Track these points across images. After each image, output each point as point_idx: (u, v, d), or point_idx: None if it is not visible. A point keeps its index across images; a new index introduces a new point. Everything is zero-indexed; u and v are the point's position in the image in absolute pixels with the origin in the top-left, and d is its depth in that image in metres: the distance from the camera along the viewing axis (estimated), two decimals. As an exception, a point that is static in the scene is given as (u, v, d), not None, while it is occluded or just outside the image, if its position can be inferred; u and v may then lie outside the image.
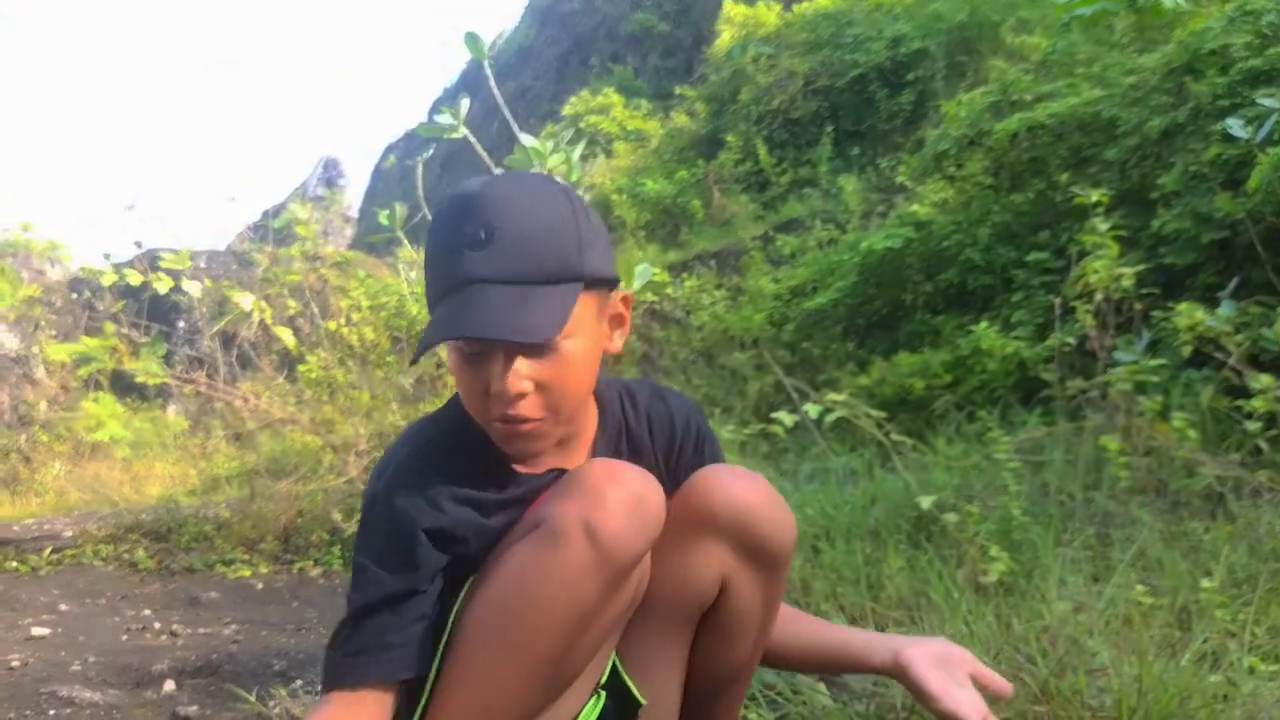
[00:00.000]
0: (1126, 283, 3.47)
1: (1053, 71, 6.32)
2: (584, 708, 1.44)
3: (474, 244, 1.23)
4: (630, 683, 1.49)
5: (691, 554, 1.45)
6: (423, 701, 1.33)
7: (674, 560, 1.45)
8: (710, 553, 1.44)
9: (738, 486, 1.43)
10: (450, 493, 1.34)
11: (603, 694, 1.46)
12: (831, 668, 1.74)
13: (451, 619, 1.33)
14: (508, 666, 1.28)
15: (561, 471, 1.41)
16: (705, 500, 1.44)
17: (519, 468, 1.41)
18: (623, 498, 1.25)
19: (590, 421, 1.48)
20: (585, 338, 1.31)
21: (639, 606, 1.46)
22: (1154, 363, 3.32)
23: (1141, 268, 3.75)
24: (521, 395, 1.27)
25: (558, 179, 1.39)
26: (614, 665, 1.50)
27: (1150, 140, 4.78)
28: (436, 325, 1.25)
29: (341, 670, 1.29)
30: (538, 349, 1.27)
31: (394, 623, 1.30)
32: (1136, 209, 4.65)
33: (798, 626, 1.63)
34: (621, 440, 1.51)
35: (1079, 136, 5.30)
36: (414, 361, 1.32)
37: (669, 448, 1.55)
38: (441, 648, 1.32)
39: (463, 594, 1.35)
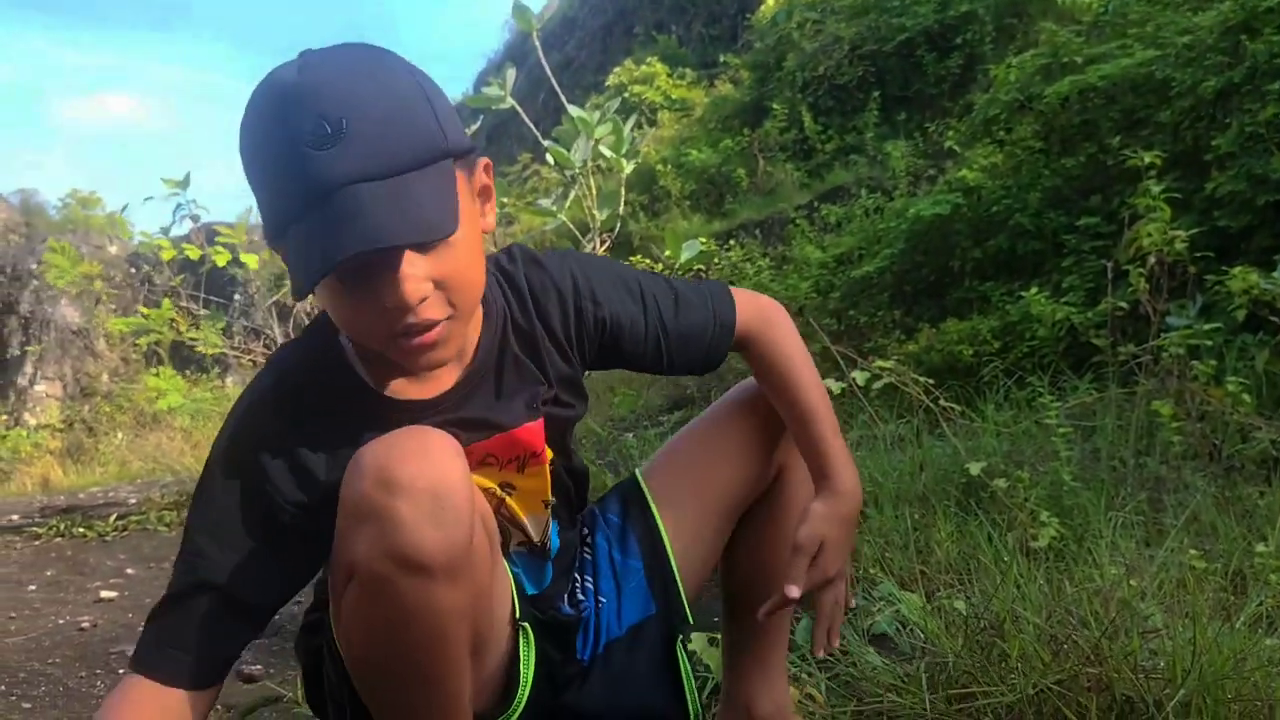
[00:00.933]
0: (1180, 246, 3.44)
1: (1105, 32, 6.20)
2: (517, 650, 1.33)
3: (320, 141, 1.02)
4: (685, 600, 1.49)
5: (749, 447, 1.50)
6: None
7: (731, 453, 1.50)
8: (767, 440, 1.51)
9: None
10: (313, 446, 1.21)
11: (527, 628, 1.33)
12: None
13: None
14: (412, 711, 1.17)
15: (449, 392, 1.28)
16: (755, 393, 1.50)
17: (399, 395, 1.26)
18: (415, 506, 1.04)
19: (476, 320, 1.30)
20: (466, 218, 1.13)
21: (688, 512, 1.50)
22: (1208, 327, 3.29)
23: (1195, 231, 3.71)
24: (423, 299, 1.11)
25: (376, 45, 1.14)
26: (674, 576, 1.49)
27: (1205, 101, 4.70)
28: (314, 250, 1.04)
29: (153, 658, 1.19)
30: (426, 248, 1.09)
31: (220, 617, 1.19)
32: (1190, 171, 4.57)
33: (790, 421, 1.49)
34: (509, 337, 1.34)
35: (1131, 98, 5.21)
36: (300, 297, 1.14)
37: (565, 321, 1.37)
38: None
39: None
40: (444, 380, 1.28)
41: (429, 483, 1.05)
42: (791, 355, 1.49)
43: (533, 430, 1.34)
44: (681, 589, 1.49)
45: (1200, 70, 4.77)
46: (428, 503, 1.04)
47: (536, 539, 1.42)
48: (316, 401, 1.24)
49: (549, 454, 1.38)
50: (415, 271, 1.09)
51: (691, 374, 1.56)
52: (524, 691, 1.31)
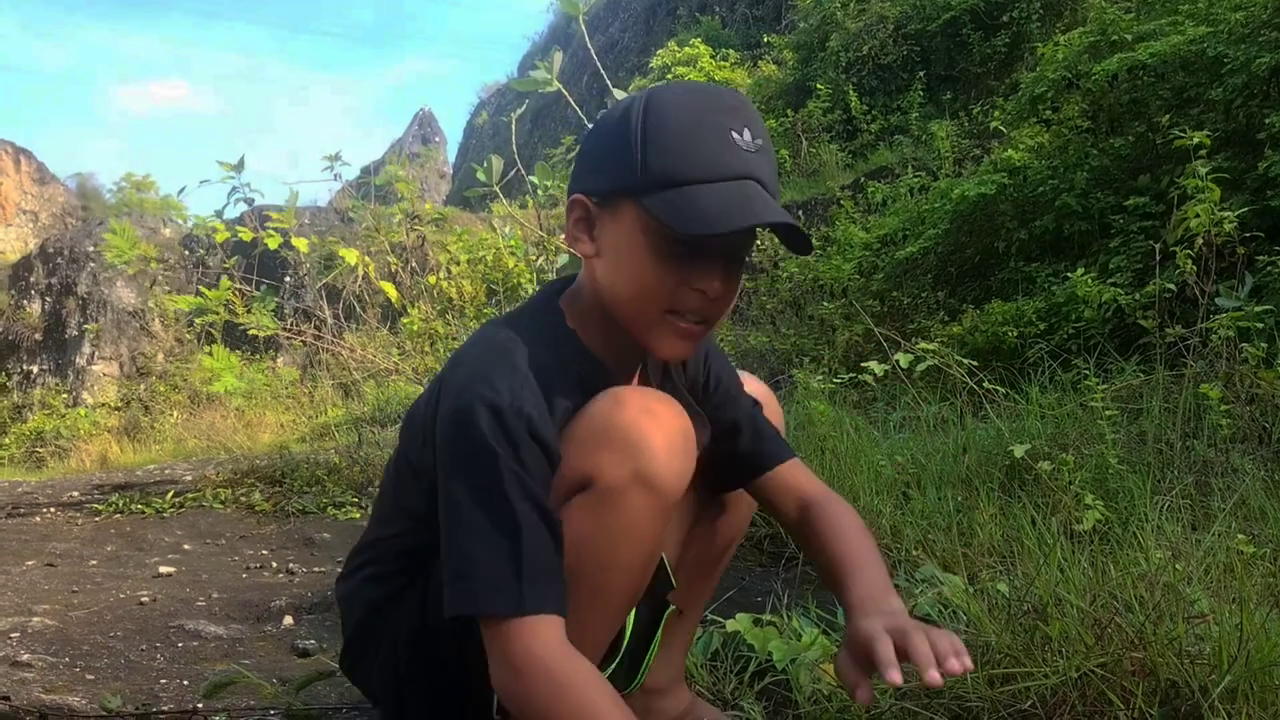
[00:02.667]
0: (1229, 227, 3.39)
1: (1154, 9, 6.10)
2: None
3: (748, 144, 1.26)
4: (669, 568, 1.52)
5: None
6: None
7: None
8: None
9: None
10: (562, 405, 1.31)
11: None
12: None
13: None
14: (594, 620, 1.30)
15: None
16: None
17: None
18: (666, 438, 1.24)
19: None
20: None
21: None
22: (1258, 309, 3.25)
23: (1245, 211, 3.65)
24: (721, 303, 1.31)
25: None
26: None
27: (1258, 78, 4.61)
28: (732, 208, 1.21)
29: (529, 598, 1.19)
30: (740, 265, 1.33)
31: (551, 548, 1.22)
32: (1242, 150, 4.50)
33: (831, 540, 1.48)
34: (671, 374, 1.52)
35: (1182, 76, 5.13)
36: (701, 232, 1.21)
37: (693, 379, 1.56)
38: None
39: None
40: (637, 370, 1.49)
41: (679, 422, 1.27)
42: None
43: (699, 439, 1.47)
44: (664, 557, 1.51)
45: (1254, 47, 4.68)
46: (678, 438, 1.26)
47: None
48: (559, 381, 1.32)
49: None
50: (729, 279, 1.31)
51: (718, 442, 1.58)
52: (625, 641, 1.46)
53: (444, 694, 1.40)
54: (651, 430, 1.23)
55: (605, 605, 1.32)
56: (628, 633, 1.45)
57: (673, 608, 1.54)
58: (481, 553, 1.20)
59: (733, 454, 1.55)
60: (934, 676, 1.16)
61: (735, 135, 1.25)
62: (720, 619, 2.12)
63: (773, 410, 1.65)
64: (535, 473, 1.22)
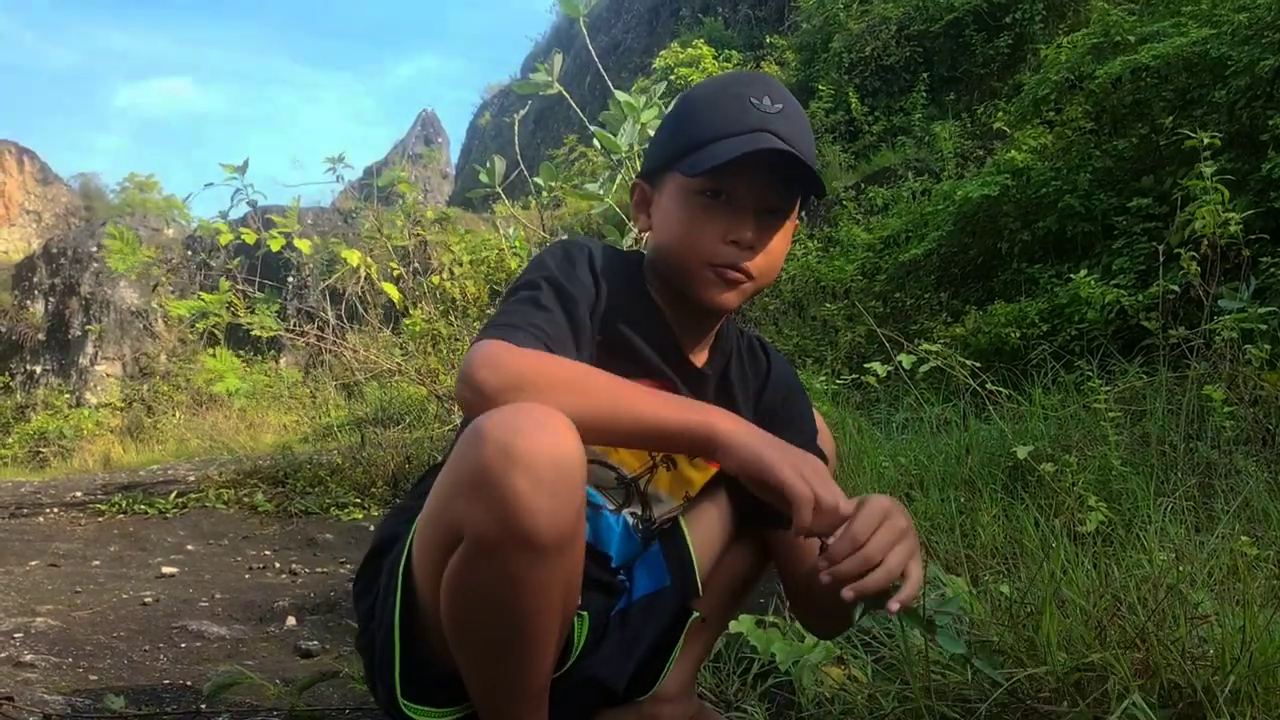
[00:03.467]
0: (1233, 228, 3.39)
1: (1158, 11, 6.09)
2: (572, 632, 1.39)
3: (767, 106, 1.38)
4: (699, 576, 1.52)
5: None
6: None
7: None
8: None
9: None
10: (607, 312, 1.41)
11: (584, 614, 1.40)
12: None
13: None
14: (507, 662, 1.24)
15: (689, 366, 1.49)
16: None
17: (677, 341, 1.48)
18: (531, 478, 1.08)
19: (714, 331, 1.54)
20: (787, 234, 1.47)
21: (703, 502, 1.56)
22: (1262, 310, 3.24)
23: (1250, 213, 3.65)
24: (752, 248, 1.39)
25: None
26: (690, 554, 1.52)
27: (1262, 80, 4.61)
28: (740, 147, 1.33)
29: (510, 331, 1.25)
30: (775, 221, 1.42)
31: (562, 334, 1.31)
32: (1245, 152, 4.50)
33: None
34: (730, 367, 1.57)
35: (1185, 78, 5.13)
36: (697, 172, 1.35)
37: (757, 397, 1.59)
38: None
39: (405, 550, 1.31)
40: (700, 354, 1.53)
41: (552, 451, 1.10)
42: None
43: None
44: (696, 565, 1.53)
45: (1258, 48, 4.68)
46: (549, 472, 1.09)
47: (656, 518, 1.52)
48: (625, 302, 1.43)
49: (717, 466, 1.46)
50: (761, 231, 1.40)
51: None
52: (575, 651, 1.39)
53: (408, 639, 1.35)
54: (512, 472, 1.07)
55: (528, 649, 1.23)
56: (577, 645, 1.40)
57: (696, 615, 1.53)
58: (500, 315, 1.30)
59: None
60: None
61: (754, 100, 1.38)
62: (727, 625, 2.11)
63: (830, 459, 1.61)
64: (565, 285, 1.35)
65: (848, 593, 1.19)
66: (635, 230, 4.52)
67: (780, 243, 1.44)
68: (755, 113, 1.37)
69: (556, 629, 1.25)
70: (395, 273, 5.52)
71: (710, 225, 1.39)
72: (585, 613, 1.40)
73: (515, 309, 1.31)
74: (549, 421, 1.11)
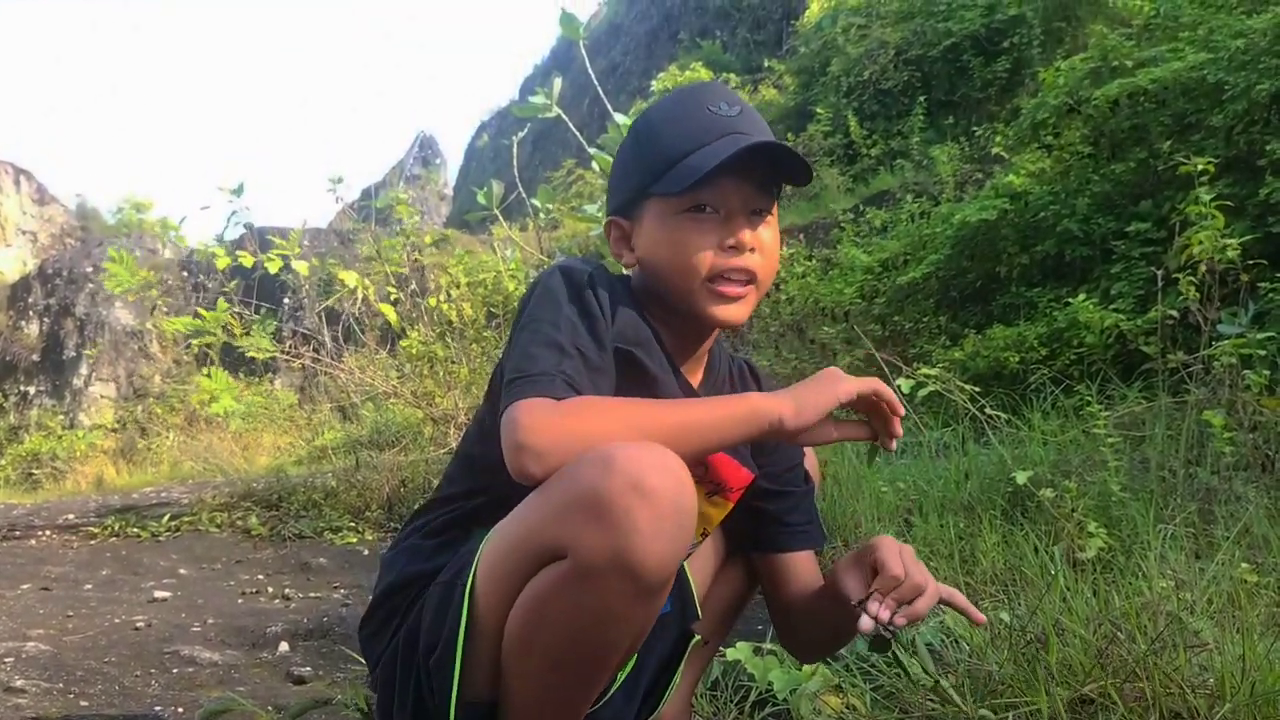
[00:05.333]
0: (1232, 253, 3.39)
1: (1155, 35, 6.13)
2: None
3: (727, 111, 1.39)
4: (697, 600, 1.54)
5: None
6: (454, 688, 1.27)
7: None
8: None
9: None
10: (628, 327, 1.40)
11: (634, 657, 1.39)
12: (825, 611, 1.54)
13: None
14: (563, 688, 1.25)
15: (690, 389, 1.47)
16: None
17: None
18: (654, 519, 1.11)
19: (706, 352, 1.53)
20: (775, 229, 1.46)
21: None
22: (1261, 335, 3.24)
23: (1248, 238, 3.65)
24: (752, 249, 1.38)
25: None
26: (687, 578, 1.54)
27: (1259, 105, 4.63)
28: (718, 154, 1.32)
29: (548, 385, 1.24)
30: (763, 219, 1.41)
31: (587, 372, 1.29)
32: (1243, 177, 4.51)
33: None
34: (723, 391, 1.54)
35: (1183, 102, 5.15)
36: (680, 192, 1.35)
37: None
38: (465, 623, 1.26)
39: (477, 559, 1.28)
40: (694, 377, 1.51)
41: (675, 495, 1.12)
42: None
43: (743, 475, 1.49)
44: (694, 589, 1.56)
45: (1254, 73, 4.70)
46: (670, 522, 1.12)
47: None
48: (626, 323, 1.41)
49: (734, 501, 1.51)
50: (754, 231, 1.39)
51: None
52: (610, 692, 1.40)
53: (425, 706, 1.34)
54: (639, 509, 1.10)
55: (591, 677, 1.26)
56: (615, 684, 1.40)
57: (698, 638, 1.53)
58: (524, 362, 1.27)
59: (768, 518, 1.56)
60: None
61: (712, 108, 1.39)
62: (720, 648, 2.10)
63: (814, 479, 1.66)
64: (586, 318, 1.33)
65: (900, 619, 1.30)
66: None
67: (773, 239, 1.44)
68: (719, 119, 1.38)
69: (618, 665, 1.28)
70: (393, 296, 5.51)
71: (703, 240, 1.37)
72: (635, 655, 1.39)
73: (538, 354, 1.28)
74: (675, 466, 1.14)
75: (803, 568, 1.57)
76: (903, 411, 1.35)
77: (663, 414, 1.25)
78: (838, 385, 1.32)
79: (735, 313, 1.40)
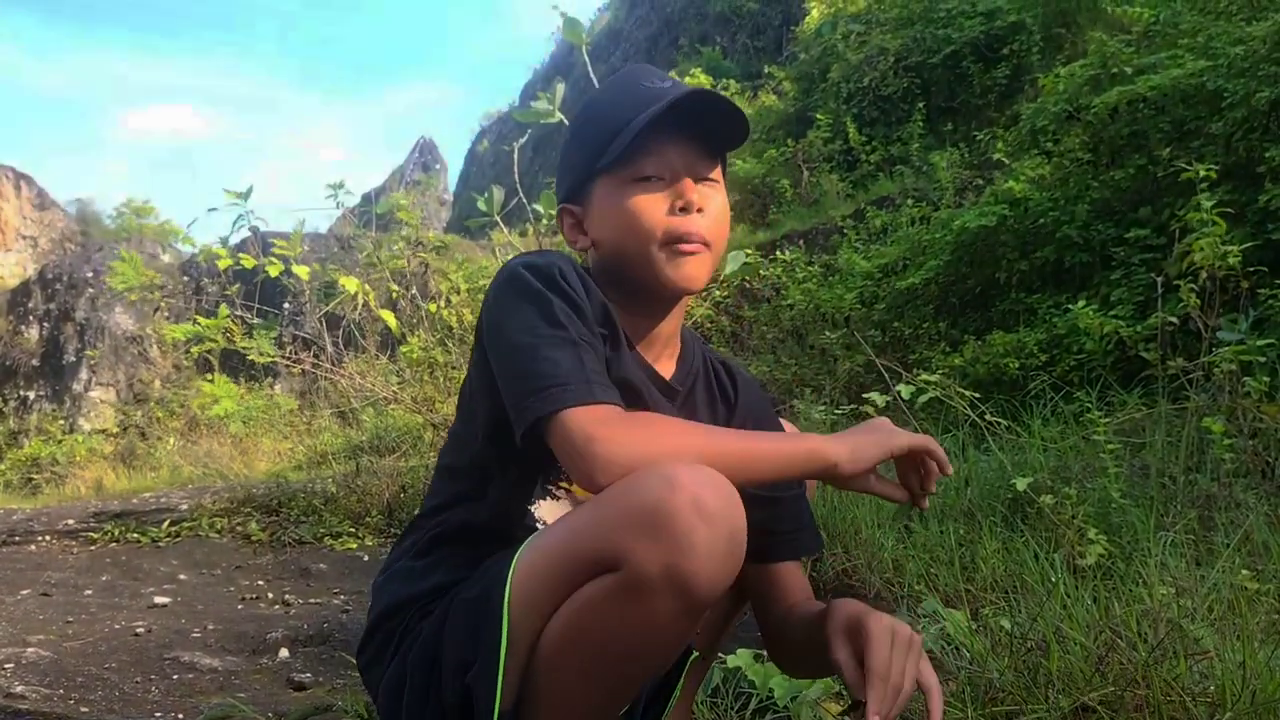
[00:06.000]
0: (1232, 260, 3.39)
1: (1155, 42, 6.14)
2: None
3: (659, 82, 1.43)
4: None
5: None
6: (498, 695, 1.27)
7: None
8: None
9: None
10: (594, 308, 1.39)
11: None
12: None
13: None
14: (592, 700, 1.26)
15: (658, 378, 1.47)
16: None
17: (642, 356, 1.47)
18: (710, 539, 1.13)
19: (677, 341, 1.54)
20: (724, 198, 1.47)
21: None
22: (1261, 342, 3.24)
23: (1248, 244, 3.66)
24: (701, 209, 1.40)
25: None
26: None
27: (1258, 112, 4.64)
28: (655, 110, 1.36)
29: (599, 393, 1.25)
30: (710, 187, 1.43)
31: (598, 361, 1.31)
32: (1243, 184, 4.51)
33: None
34: (696, 387, 1.55)
35: (1182, 109, 5.15)
36: (617, 157, 1.38)
37: (727, 419, 1.58)
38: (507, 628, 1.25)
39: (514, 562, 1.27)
40: (665, 366, 1.51)
41: (732, 521, 1.15)
42: None
43: None
44: None
45: (1254, 81, 4.71)
46: (724, 543, 1.14)
47: None
48: (595, 309, 1.39)
49: None
50: (702, 195, 1.41)
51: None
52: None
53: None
54: (698, 529, 1.11)
55: (625, 689, 1.27)
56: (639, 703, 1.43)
57: (696, 654, 1.52)
58: (546, 366, 1.26)
59: (754, 527, 1.52)
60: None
61: (646, 83, 1.43)
62: (720, 655, 2.09)
63: (809, 485, 1.65)
64: (574, 308, 1.33)
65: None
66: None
67: (722, 206, 1.45)
68: (653, 90, 1.41)
69: (649, 678, 1.31)
70: (394, 294, 5.51)
71: (653, 205, 1.40)
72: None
73: (556, 357, 1.28)
74: (732, 492, 1.16)
75: (790, 580, 1.56)
76: (950, 471, 1.39)
77: (727, 442, 1.27)
78: (894, 439, 1.35)
79: (692, 271, 1.41)
